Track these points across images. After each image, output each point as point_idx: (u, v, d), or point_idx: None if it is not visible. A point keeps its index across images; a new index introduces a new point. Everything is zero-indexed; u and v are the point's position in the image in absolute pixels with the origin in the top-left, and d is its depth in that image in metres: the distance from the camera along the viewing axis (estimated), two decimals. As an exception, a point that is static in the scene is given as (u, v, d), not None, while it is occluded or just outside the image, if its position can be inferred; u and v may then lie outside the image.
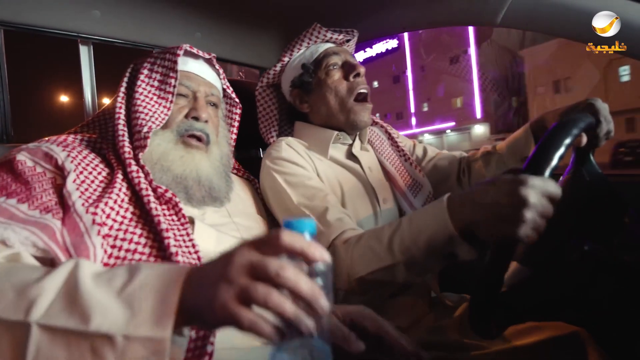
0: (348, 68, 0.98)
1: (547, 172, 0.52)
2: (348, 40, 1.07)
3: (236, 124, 0.97)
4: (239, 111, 0.97)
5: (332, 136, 0.97)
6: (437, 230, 0.61)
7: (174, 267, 0.42)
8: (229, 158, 0.89)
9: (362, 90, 0.97)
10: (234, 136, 0.97)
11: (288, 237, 0.37)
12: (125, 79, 0.81)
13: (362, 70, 0.97)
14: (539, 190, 0.51)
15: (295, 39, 1.02)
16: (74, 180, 0.64)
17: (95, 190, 0.66)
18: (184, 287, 0.39)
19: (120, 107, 0.77)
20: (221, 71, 0.90)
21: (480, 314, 0.54)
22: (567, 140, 0.54)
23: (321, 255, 0.37)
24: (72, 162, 0.66)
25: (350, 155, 1.01)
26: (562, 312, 0.58)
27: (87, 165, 0.68)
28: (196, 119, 0.79)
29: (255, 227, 0.85)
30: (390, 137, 1.13)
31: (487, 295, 0.52)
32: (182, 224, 0.68)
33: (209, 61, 0.87)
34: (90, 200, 0.63)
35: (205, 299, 0.37)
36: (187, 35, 1.28)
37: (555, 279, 0.53)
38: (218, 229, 0.76)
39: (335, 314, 0.62)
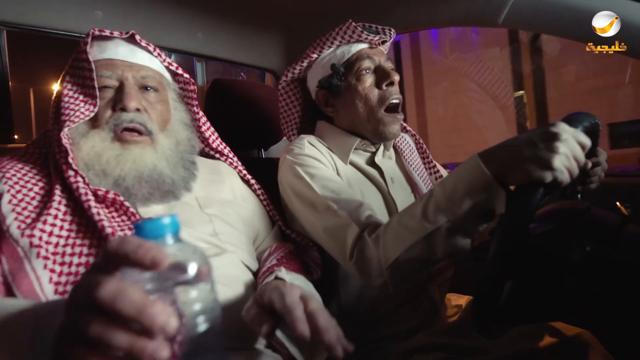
0: (381, 75, 0.91)
1: (579, 128, 0.55)
2: (384, 42, 0.98)
3: (195, 102, 0.85)
4: (193, 87, 0.84)
5: (354, 143, 0.92)
6: (472, 179, 0.58)
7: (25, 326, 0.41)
8: (188, 142, 0.80)
9: (394, 101, 0.90)
10: (200, 115, 0.87)
11: (113, 245, 0.29)
12: (60, 79, 0.72)
13: (396, 78, 0.90)
14: (571, 133, 0.54)
15: (326, 35, 0.94)
16: (10, 201, 0.60)
17: (35, 207, 0.62)
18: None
19: (55, 110, 0.70)
20: (151, 47, 0.77)
21: (482, 312, 0.54)
22: (592, 120, 0.59)
23: (154, 257, 0.28)
24: (5, 182, 0.62)
25: (372, 163, 0.95)
26: (565, 314, 0.57)
27: (27, 182, 0.64)
28: (124, 109, 0.69)
29: (230, 214, 0.78)
30: (420, 148, 1.07)
31: (491, 292, 0.52)
32: (132, 223, 0.63)
33: (131, 40, 0.74)
34: (28, 221, 0.59)
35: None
36: (189, 36, 1.28)
37: (557, 280, 0.54)
38: (185, 223, 0.70)
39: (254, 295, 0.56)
